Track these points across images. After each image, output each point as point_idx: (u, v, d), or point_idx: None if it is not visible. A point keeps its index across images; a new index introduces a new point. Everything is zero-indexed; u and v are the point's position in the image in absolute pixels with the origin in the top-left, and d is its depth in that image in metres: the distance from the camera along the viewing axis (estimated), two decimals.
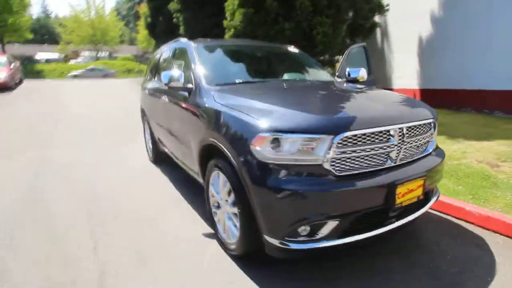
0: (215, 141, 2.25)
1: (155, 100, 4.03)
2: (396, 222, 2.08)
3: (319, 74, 3.58)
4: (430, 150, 2.35)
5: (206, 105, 2.50)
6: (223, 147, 2.14)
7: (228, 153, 2.07)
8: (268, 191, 1.82)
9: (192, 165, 2.91)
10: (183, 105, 2.90)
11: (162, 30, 14.28)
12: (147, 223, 2.81)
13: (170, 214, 3.00)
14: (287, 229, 1.84)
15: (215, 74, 2.88)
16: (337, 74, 3.86)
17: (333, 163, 1.85)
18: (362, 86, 3.07)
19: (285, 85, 3.02)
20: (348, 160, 1.90)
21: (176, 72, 2.77)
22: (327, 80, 3.43)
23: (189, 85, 2.81)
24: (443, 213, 2.92)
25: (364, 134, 1.92)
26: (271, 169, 1.83)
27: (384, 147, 2.00)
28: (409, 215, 2.15)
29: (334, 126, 1.88)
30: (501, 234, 2.55)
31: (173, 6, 11.70)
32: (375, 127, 1.95)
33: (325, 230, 1.88)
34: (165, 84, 2.79)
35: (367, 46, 4.81)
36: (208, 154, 2.45)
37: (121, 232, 2.66)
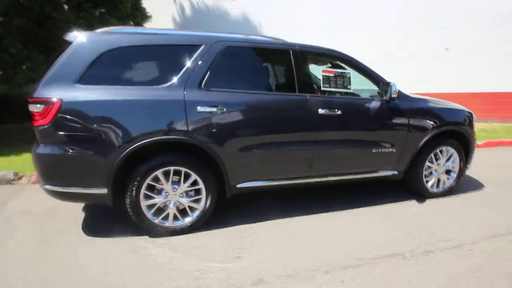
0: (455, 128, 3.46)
1: (269, 115, 2.91)
2: None
3: None
4: None
5: (422, 106, 3.38)
6: (464, 131, 3.49)
7: (466, 134, 3.49)
8: None
9: (386, 164, 3.32)
10: (390, 111, 3.21)
11: None
12: None
13: None
14: None
15: None
16: None
17: None
18: None
19: None
20: None
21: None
22: None
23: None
24: None
25: None
26: None
27: None
28: None
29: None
30: None
31: None
32: None
33: None
34: (391, 94, 3.09)
35: None
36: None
37: None
